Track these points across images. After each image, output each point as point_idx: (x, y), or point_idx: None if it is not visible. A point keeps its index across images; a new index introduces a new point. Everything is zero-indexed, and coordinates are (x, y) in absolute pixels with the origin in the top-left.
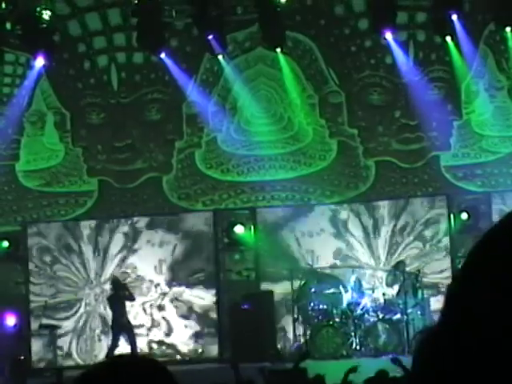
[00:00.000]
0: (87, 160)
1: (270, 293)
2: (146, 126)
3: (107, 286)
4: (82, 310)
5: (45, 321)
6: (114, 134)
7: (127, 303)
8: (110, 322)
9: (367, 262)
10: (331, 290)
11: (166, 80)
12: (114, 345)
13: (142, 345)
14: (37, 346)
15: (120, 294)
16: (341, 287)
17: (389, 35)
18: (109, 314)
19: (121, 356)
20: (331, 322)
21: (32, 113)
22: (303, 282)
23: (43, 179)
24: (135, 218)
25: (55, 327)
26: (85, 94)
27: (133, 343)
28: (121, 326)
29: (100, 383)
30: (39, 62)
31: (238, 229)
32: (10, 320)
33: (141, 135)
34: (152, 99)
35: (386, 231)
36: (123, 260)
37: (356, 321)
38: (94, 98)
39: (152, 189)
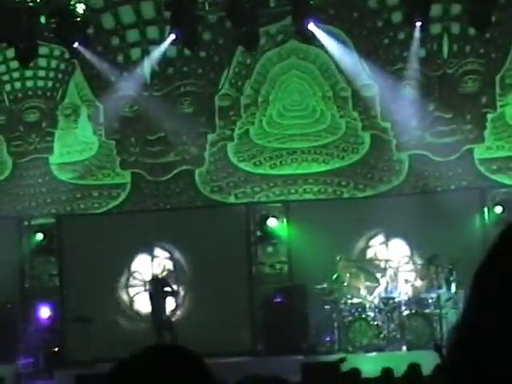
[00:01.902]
0: (120, 153)
1: (303, 286)
2: (179, 119)
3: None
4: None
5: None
6: (146, 126)
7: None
8: (150, 318)
9: (401, 255)
10: (365, 284)
11: (198, 73)
12: (158, 339)
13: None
14: (71, 338)
15: (161, 290)
16: (374, 280)
17: (421, 28)
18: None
19: (158, 345)
20: (364, 316)
21: (66, 106)
22: (336, 275)
23: (77, 172)
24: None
25: (89, 319)
26: (118, 86)
27: (174, 339)
28: (162, 322)
29: (138, 371)
30: (72, 54)
31: (271, 222)
32: (45, 312)
33: (173, 128)
34: (185, 92)
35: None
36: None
37: (389, 314)
38: (128, 90)
39: (184, 182)
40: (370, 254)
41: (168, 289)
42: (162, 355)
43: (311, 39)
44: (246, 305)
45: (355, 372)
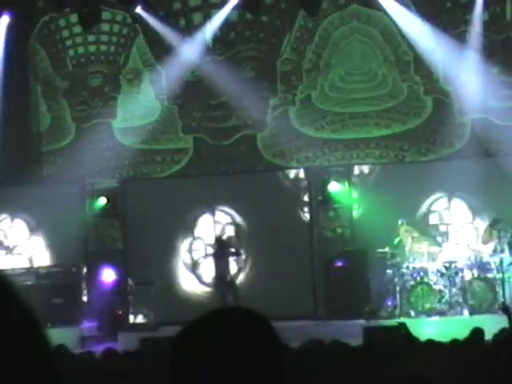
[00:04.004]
0: (182, 117)
1: (365, 250)
2: (241, 84)
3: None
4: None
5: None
6: (208, 91)
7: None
8: (214, 279)
9: (464, 219)
10: (427, 248)
11: (260, 37)
12: (222, 303)
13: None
14: (134, 301)
15: (224, 251)
16: (436, 244)
17: None
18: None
19: (225, 308)
20: (426, 280)
21: (128, 70)
22: (398, 239)
23: (139, 136)
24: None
25: (152, 283)
26: (180, 51)
27: (237, 301)
28: (225, 284)
29: (205, 334)
30: (134, 19)
31: (333, 186)
32: (109, 276)
33: (235, 93)
34: (246, 56)
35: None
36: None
37: (451, 278)
38: (189, 55)
39: (246, 146)
40: (432, 218)
41: (231, 250)
42: (229, 317)
43: (373, 3)
44: (307, 269)
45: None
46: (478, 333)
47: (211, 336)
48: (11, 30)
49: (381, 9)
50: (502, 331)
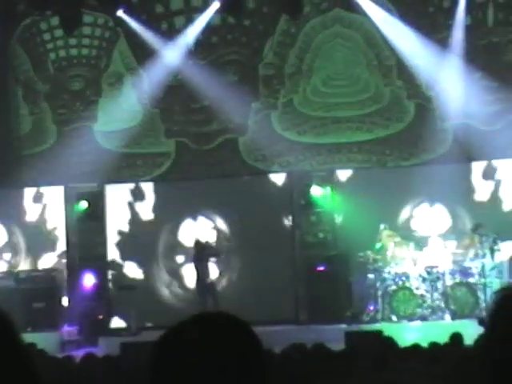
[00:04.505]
0: (164, 121)
1: (346, 255)
2: (223, 88)
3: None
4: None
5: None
6: (190, 95)
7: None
8: (195, 283)
9: (445, 224)
10: (409, 253)
11: (242, 41)
12: (202, 306)
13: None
14: (115, 306)
15: (203, 255)
16: (418, 249)
17: None
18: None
19: (206, 313)
20: (408, 285)
21: (110, 74)
22: (380, 244)
23: (121, 140)
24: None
25: (133, 288)
26: (162, 54)
27: (216, 304)
28: (205, 287)
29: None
30: (116, 22)
31: (315, 191)
32: (89, 280)
33: (217, 97)
34: (228, 61)
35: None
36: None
37: (433, 283)
38: (172, 59)
39: (228, 150)
40: (413, 222)
41: (212, 255)
42: (209, 323)
43: (356, 7)
44: (289, 273)
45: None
46: (457, 338)
47: (191, 341)
48: None
49: (363, 13)
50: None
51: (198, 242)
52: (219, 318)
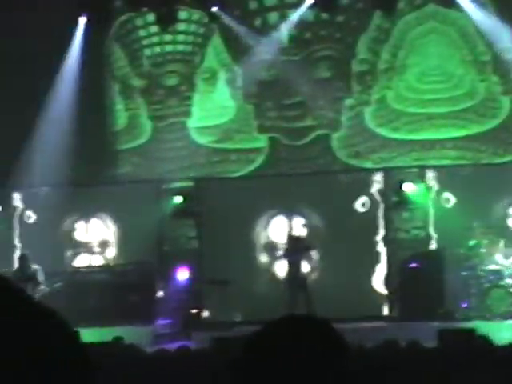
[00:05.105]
0: (257, 117)
1: (440, 251)
2: (316, 84)
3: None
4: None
5: (216, 276)
6: (284, 91)
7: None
8: (286, 278)
9: None
10: (503, 251)
11: (336, 37)
12: (293, 301)
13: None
14: (209, 300)
15: (297, 250)
16: None
17: None
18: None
19: (293, 316)
20: (502, 283)
21: (204, 70)
22: (474, 241)
23: (215, 136)
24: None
25: (226, 282)
26: (255, 50)
27: (307, 299)
28: (297, 282)
29: (272, 339)
30: (210, 19)
31: (408, 187)
32: (183, 274)
33: (311, 92)
34: (322, 56)
35: None
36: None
37: None
38: (265, 55)
39: (321, 146)
40: (509, 220)
41: (305, 249)
42: (297, 325)
43: (450, 2)
44: (380, 270)
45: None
46: None
47: (278, 343)
48: (88, 30)
49: (458, 8)
50: None
51: (291, 237)
52: (305, 320)
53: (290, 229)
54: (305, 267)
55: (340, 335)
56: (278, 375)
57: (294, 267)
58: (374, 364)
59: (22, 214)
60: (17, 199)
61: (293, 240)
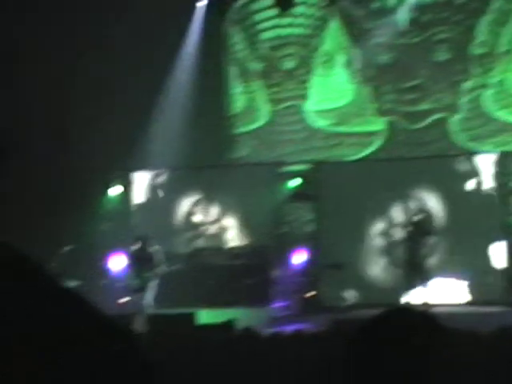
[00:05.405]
0: (375, 100)
1: None
2: (434, 67)
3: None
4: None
5: (332, 259)
6: (402, 74)
7: None
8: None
9: None
10: None
11: (454, 20)
12: (410, 285)
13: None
14: (325, 283)
15: (416, 234)
16: None
17: None
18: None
19: (408, 306)
20: None
21: (322, 53)
22: None
23: (332, 119)
24: None
25: (342, 266)
26: (374, 33)
27: (424, 284)
28: (415, 266)
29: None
30: (329, 2)
31: None
32: (300, 257)
33: (429, 76)
34: (440, 39)
35: None
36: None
37: None
38: (383, 37)
39: (439, 130)
40: None
41: (425, 233)
42: (409, 321)
43: None
44: (501, 254)
45: None
46: None
47: (393, 333)
48: (206, 14)
49: None
50: None
51: (411, 222)
52: (420, 314)
53: (407, 213)
54: (423, 251)
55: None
56: (390, 364)
57: (412, 251)
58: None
59: (141, 196)
60: (137, 181)
61: (410, 224)
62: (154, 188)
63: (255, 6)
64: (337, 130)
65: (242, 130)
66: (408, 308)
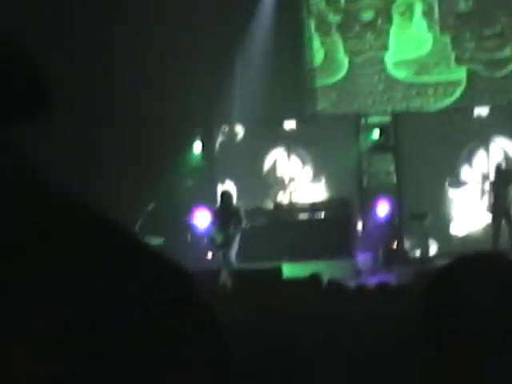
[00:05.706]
0: (455, 48)
1: None
2: None
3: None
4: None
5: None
6: (482, 21)
7: None
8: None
9: None
10: None
11: None
12: (495, 233)
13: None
14: (409, 234)
15: (504, 179)
16: None
17: None
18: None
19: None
20: None
21: (400, 3)
22: None
23: (412, 69)
24: None
25: (425, 216)
26: None
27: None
28: (501, 213)
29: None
30: None
31: None
32: (383, 209)
33: (508, 23)
34: None
35: None
36: None
37: None
38: None
39: None
40: None
41: (508, 182)
42: (488, 264)
43: None
44: None
45: None
46: None
47: (465, 280)
48: None
49: None
50: None
51: (498, 168)
52: (496, 258)
53: (491, 162)
54: (508, 199)
55: None
56: (466, 310)
57: (499, 199)
58: None
59: (223, 152)
60: (217, 137)
61: (498, 172)
62: (235, 144)
63: None
64: (417, 80)
65: (324, 82)
66: (481, 254)
